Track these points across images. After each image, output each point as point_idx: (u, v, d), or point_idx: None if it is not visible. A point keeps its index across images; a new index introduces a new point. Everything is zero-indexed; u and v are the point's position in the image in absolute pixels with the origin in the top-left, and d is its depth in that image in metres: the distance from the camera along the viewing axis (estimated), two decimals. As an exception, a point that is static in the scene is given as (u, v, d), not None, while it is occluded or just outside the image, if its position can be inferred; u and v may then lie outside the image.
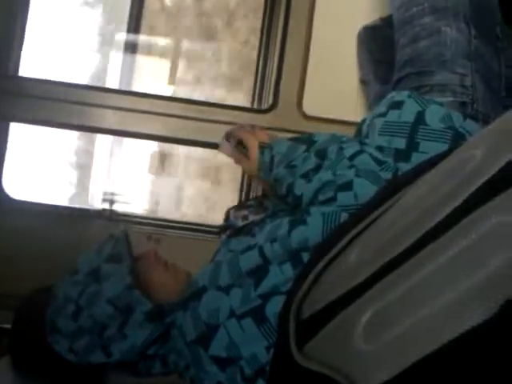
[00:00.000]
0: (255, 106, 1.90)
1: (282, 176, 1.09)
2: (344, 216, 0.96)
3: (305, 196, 1.04)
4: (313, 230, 0.96)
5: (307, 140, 1.11)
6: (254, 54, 2.04)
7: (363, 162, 1.01)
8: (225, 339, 0.96)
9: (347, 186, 0.98)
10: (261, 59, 1.94)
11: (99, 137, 2.97)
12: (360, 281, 0.63)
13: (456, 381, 0.48)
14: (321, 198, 1.00)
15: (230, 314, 0.96)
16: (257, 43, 2.02)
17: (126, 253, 1.10)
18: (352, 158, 1.02)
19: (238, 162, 1.26)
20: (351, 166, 1.00)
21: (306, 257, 0.96)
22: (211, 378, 0.97)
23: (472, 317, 0.48)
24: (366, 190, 0.97)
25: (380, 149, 1.06)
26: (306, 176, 1.04)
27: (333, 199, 0.98)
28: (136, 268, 1.11)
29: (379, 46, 1.58)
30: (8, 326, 1.15)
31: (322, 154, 1.05)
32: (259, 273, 0.97)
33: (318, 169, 1.04)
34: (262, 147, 1.16)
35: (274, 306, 0.95)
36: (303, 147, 1.09)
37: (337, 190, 0.98)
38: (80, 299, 1.04)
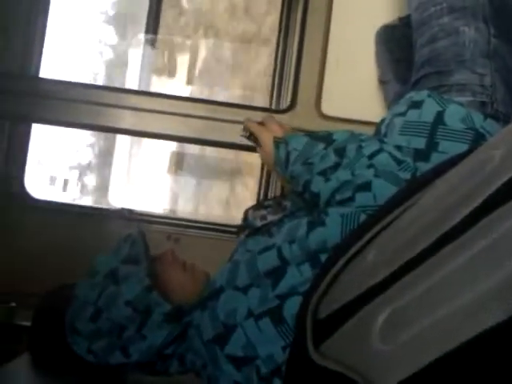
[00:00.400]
0: (273, 106, 1.90)
1: (299, 173, 1.09)
2: (362, 217, 0.96)
3: (322, 194, 1.03)
4: (331, 231, 0.96)
5: (326, 138, 1.11)
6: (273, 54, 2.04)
7: (382, 162, 1.00)
8: (242, 339, 0.96)
9: (366, 187, 0.98)
10: (279, 59, 1.94)
11: (119, 137, 3.00)
12: (378, 281, 0.63)
13: (472, 381, 0.48)
14: (338, 197, 1.00)
15: (248, 314, 0.97)
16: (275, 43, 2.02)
17: (143, 254, 1.10)
18: (371, 156, 1.01)
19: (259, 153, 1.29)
20: (370, 166, 1.00)
21: (324, 258, 0.95)
22: (227, 377, 0.97)
23: (490, 317, 0.48)
24: (384, 191, 0.96)
25: (399, 148, 1.05)
26: (324, 174, 1.04)
27: (351, 199, 0.98)
28: (154, 269, 1.11)
29: (399, 45, 1.58)
30: (28, 323, 1.16)
31: (340, 153, 1.05)
32: (277, 273, 0.97)
33: (336, 167, 1.03)
34: (277, 142, 1.16)
35: (292, 307, 0.95)
36: (322, 145, 1.08)
37: (355, 190, 0.98)
38: (99, 301, 1.05)
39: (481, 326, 0.48)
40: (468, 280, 0.52)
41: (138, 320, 1.04)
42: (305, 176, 1.07)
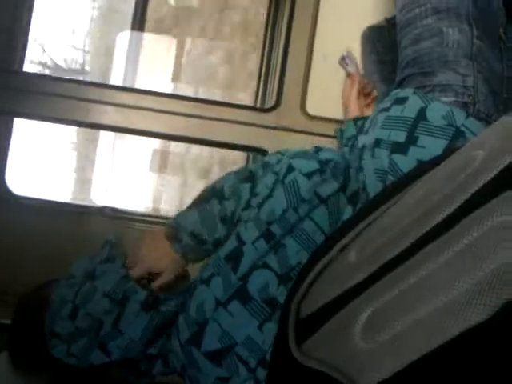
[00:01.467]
0: (258, 105, 1.90)
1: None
2: (300, 178, 1.00)
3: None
4: (277, 199, 1.00)
5: (212, 193, 1.09)
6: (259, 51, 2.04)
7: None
8: (216, 331, 0.96)
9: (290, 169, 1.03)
10: (265, 58, 1.94)
11: (102, 134, 2.98)
12: (359, 280, 0.63)
13: (454, 380, 0.48)
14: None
15: (216, 304, 0.97)
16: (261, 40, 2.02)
17: (120, 253, 1.11)
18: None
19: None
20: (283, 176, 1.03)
21: (275, 229, 0.98)
22: (208, 376, 0.97)
23: (472, 316, 0.48)
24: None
25: (378, 142, 1.06)
26: (249, 206, 1.04)
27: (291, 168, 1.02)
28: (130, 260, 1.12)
29: (384, 46, 1.58)
30: (7, 321, 1.15)
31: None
32: (236, 255, 0.99)
33: (252, 191, 1.05)
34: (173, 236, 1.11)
35: (255, 282, 0.97)
36: (215, 201, 1.07)
37: (285, 174, 1.03)
38: (76, 298, 1.04)
39: (463, 325, 0.48)
40: (450, 279, 0.52)
41: (115, 312, 1.03)
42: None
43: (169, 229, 1.10)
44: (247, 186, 1.05)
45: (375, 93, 1.41)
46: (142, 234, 1.16)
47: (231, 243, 1.01)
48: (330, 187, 1.02)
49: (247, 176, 1.07)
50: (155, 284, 1.09)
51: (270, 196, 1.01)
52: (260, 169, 1.07)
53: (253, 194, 1.04)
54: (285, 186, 1.01)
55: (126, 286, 1.04)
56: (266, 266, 0.98)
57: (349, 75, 1.39)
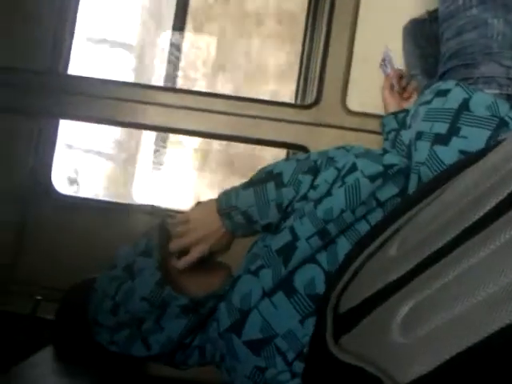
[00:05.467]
0: (299, 102, 1.90)
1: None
2: (363, 181, 0.98)
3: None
4: (337, 198, 0.98)
5: (269, 176, 1.06)
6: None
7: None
8: (258, 321, 0.96)
9: (353, 168, 1.00)
10: (305, 55, 1.94)
11: (145, 133, 3.02)
12: (399, 275, 0.62)
13: (493, 377, 0.47)
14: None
15: (262, 294, 0.97)
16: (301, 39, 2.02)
17: (157, 246, 1.09)
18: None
19: None
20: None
21: (331, 228, 0.97)
22: (246, 365, 0.97)
23: (513, 311, 0.47)
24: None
25: (419, 134, 1.04)
26: (305, 198, 1.02)
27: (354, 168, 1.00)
28: (169, 262, 1.11)
29: (427, 39, 1.56)
30: (52, 317, 1.18)
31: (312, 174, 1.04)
32: (288, 249, 0.97)
33: (312, 184, 1.03)
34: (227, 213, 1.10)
35: (302, 276, 0.96)
36: (272, 185, 1.05)
37: (347, 172, 1.00)
38: (117, 295, 1.05)
39: (503, 320, 0.47)
40: (491, 273, 0.51)
41: (156, 313, 1.04)
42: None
43: (222, 204, 1.09)
44: (309, 178, 1.03)
45: (413, 85, 1.40)
46: (194, 205, 1.15)
47: (284, 236, 0.99)
48: (389, 192, 1.00)
49: (310, 167, 1.04)
50: (191, 256, 1.09)
51: (329, 194, 0.99)
52: (324, 162, 1.05)
53: (312, 186, 1.02)
54: (346, 185, 0.98)
55: (162, 292, 1.04)
56: (315, 261, 0.97)
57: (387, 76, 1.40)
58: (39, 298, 1.52)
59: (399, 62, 1.64)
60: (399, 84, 1.39)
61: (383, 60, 1.42)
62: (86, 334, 1.08)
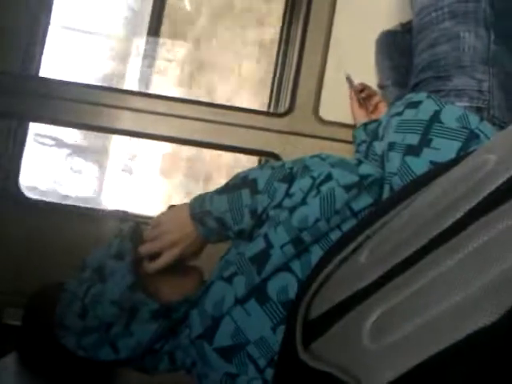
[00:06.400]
0: (272, 110, 1.90)
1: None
2: (338, 191, 0.97)
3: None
4: (312, 207, 0.97)
5: (244, 183, 1.06)
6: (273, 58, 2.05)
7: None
8: (230, 327, 0.95)
9: (329, 177, 0.99)
10: (279, 63, 1.95)
11: (115, 138, 3.00)
12: (369, 282, 0.62)
13: (461, 382, 0.47)
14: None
15: (235, 301, 0.96)
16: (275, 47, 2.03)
17: (130, 249, 1.08)
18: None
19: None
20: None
21: (306, 236, 0.96)
22: (217, 372, 0.96)
23: (480, 318, 0.47)
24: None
25: (391, 145, 1.05)
26: (280, 206, 1.01)
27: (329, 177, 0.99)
28: (141, 265, 1.09)
29: (399, 51, 1.58)
30: (16, 322, 1.15)
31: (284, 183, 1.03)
32: (262, 257, 0.96)
33: (287, 192, 1.02)
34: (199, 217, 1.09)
35: (275, 284, 0.95)
36: (246, 191, 1.04)
37: (322, 181, 0.99)
38: (86, 298, 1.03)
39: (471, 327, 0.48)
40: (458, 282, 0.52)
41: (125, 317, 1.03)
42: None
43: (195, 209, 1.08)
44: (284, 186, 1.02)
45: (376, 99, 1.46)
46: (166, 208, 1.14)
47: (258, 244, 0.98)
48: (363, 202, 1.00)
49: (285, 175, 1.03)
50: (163, 259, 1.08)
51: (304, 203, 0.98)
52: (299, 170, 1.04)
53: (287, 194, 1.01)
54: (321, 194, 0.97)
55: (133, 296, 1.02)
56: (288, 269, 0.96)
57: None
58: (3, 303, 1.49)
59: (372, 72, 1.66)
60: (358, 98, 1.44)
61: (347, 78, 1.48)
62: (51, 340, 1.06)
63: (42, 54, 1.83)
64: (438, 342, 0.49)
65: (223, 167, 2.97)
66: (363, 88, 1.46)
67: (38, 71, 1.82)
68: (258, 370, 0.94)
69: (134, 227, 1.13)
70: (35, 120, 1.83)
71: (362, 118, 1.40)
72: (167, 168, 3.09)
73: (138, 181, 3.07)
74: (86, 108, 1.72)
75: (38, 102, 1.72)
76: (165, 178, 3.11)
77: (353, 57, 1.70)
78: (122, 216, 1.76)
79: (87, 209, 1.95)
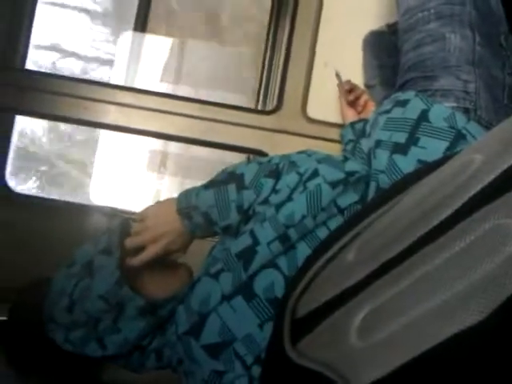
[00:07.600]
0: (259, 108, 1.90)
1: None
2: (324, 187, 0.98)
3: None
4: (298, 204, 0.97)
5: (230, 178, 1.06)
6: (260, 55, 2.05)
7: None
8: (217, 324, 0.95)
9: (315, 174, 1.00)
10: (266, 61, 1.95)
11: (102, 132, 2.98)
12: (357, 280, 0.63)
13: (446, 381, 0.48)
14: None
15: (222, 298, 0.96)
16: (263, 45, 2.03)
17: (118, 245, 1.07)
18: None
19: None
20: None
21: (292, 233, 0.96)
22: (204, 369, 0.96)
23: (467, 317, 0.48)
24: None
25: (378, 143, 1.06)
26: (266, 202, 1.01)
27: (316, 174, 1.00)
28: (128, 261, 1.08)
29: (385, 51, 1.59)
30: (2, 317, 1.14)
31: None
32: (248, 254, 0.97)
33: (273, 188, 1.02)
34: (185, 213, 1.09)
35: (262, 280, 0.95)
36: (233, 187, 1.04)
37: (309, 177, 1.00)
38: (74, 293, 1.03)
39: (457, 326, 0.48)
40: (445, 280, 0.52)
41: (113, 313, 1.02)
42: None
43: (181, 203, 1.08)
44: (270, 181, 1.02)
45: (364, 98, 1.48)
46: (152, 204, 1.14)
47: (244, 240, 0.99)
48: (349, 199, 1.00)
49: (272, 171, 1.04)
50: (146, 253, 1.07)
51: (290, 199, 0.99)
52: (286, 166, 1.04)
53: (273, 190, 1.02)
54: (307, 191, 0.98)
55: (120, 291, 1.02)
56: (275, 266, 0.97)
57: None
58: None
59: (359, 71, 1.67)
60: (346, 98, 1.46)
61: (337, 75, 1.49)
62: (38, 335, 1.06)
63: (27, 46, 1.81)
64: (425, 341, 0.50)
65: (210, 163, 2.97)
66: (351, 89, 1.47)
67: (23, 64, 1.81)
68: (244, 367, 0.94)
69: (123, 223, 1.12)
70: (20, 113, 1.81)
71: (350, 118, 1.41)
72: (155, 164, 3.08)
73: (126, 176, 3.06)
74: (72, 101, 1.71)
75: (23, 94, 1.70)
76: (152, 173, 3.10)
77: (340, 55, 1.71)
78: (110, 212, 1.75)
79: (75, 204, 1.93)
